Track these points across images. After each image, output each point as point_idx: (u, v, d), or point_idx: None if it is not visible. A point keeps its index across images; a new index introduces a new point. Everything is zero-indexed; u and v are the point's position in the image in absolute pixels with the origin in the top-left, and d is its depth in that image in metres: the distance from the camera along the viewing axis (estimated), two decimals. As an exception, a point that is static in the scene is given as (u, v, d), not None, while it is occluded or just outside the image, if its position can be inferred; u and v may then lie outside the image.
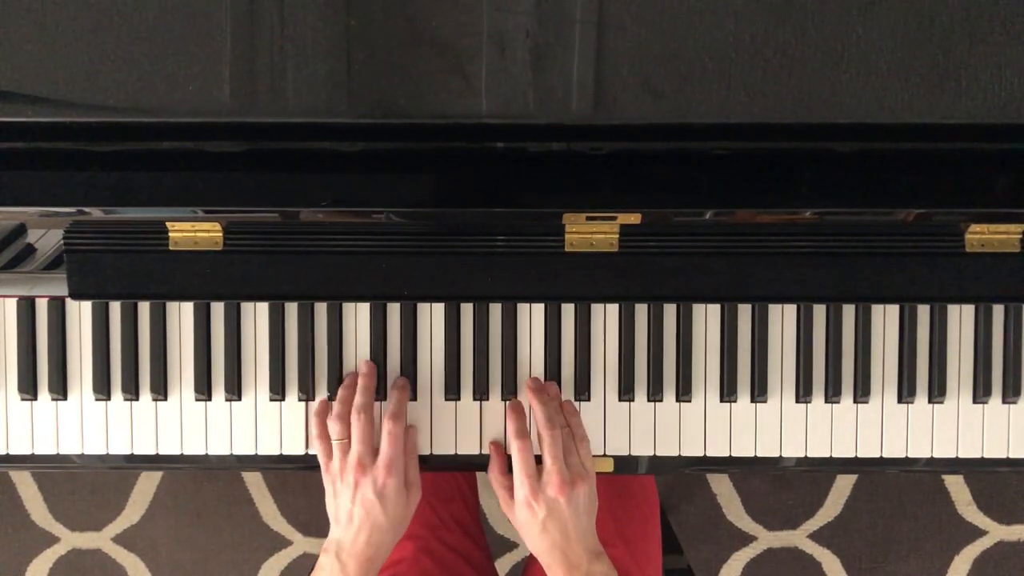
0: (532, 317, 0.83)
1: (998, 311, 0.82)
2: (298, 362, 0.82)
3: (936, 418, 0.83)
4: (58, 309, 0.82)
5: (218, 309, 0.82)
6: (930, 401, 0.83)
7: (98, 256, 0.78)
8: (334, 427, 0.78)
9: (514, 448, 0.78)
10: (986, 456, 0.83)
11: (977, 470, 0.84)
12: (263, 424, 0.83)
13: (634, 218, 0.73)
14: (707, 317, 0.83)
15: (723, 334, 0.83)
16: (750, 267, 0.78)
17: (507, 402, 0.82)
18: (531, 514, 0.77)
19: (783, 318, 0.83)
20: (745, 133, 0.69)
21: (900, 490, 1.57)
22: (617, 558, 0.92)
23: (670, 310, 0.83)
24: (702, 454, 0.83)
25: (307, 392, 0.83)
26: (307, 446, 0.83)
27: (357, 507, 0.76)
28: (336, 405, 0.79)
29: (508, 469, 0.81)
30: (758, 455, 0.83)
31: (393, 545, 0.79)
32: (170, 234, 0.77)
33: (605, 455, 0.83)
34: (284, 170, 0.70)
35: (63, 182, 0.69)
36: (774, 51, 0.65)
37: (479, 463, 0.84)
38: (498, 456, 0.82)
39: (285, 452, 0.83)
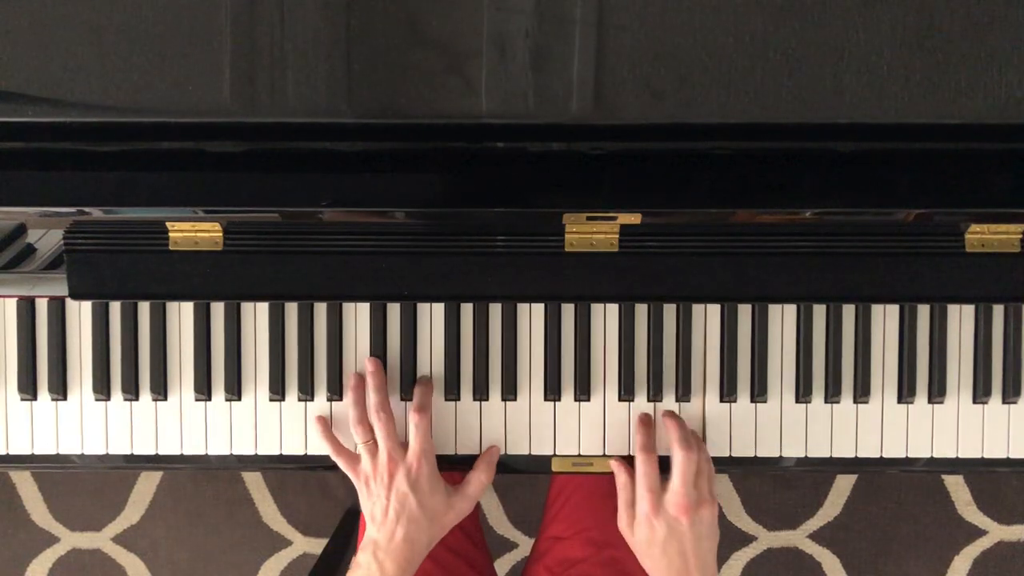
0: (532, 317, 0.83)
1: (998, 311, 0.82)
2: (298, 362, 0.82)
3: (936, 418, 0.83)
4: (58, 309, 0.82)
5: (218, 309, 0.82)
6: (930, 401, 0.83)
7: (98, 256, 0.78)
8: (357, 431, 0.79)
9: (639, 460, 0.78)
10: (986, 456, 0.83)
11: (977, 470, 0.84)
12: (263, 424, 0.83)
13: (634, 218, 0.73)
14: (707, 317, 0.83)
15: (723, 334, 0.83)
16: (750, 267, 0.78)
17: (637, 416, 0.82)
18: (650, 532, 0.76)
19: (783, 318, 0.83)
20: (745, 133, 0.69)
21: (900, 490, 1.57)
22: (620, 559, 0.92)
23: (670, 310, 0.83)
24: (702, 454, 0.83)
25: (307, 392, 0.83)
26: (307, 446, 0.83)
27: (392, 501, 0.77)
28: (352, 410, 0.80)
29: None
30: (758, 455, 0.83)
31: (430, 544, 0.79)
32: (170, 234, 0.77)
33: (605, 455, 0.83)
34: (284, 170, 0.70)
35: (63, 182, 0.69)
36: (774, 51, 0.65)
37: (479, 463, 0.84)
38: (625, 471, 0.80)
39: (285, 452, 0.83)
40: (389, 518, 0.77)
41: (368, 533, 0.78)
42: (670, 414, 0.80)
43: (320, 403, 0.83)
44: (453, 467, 0.84)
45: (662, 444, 0.81)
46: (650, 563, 0.77)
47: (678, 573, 0.75)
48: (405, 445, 0.80)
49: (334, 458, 0.81)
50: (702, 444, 0.81)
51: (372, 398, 0.80)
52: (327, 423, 0.82)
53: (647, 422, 0.81)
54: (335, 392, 0.82)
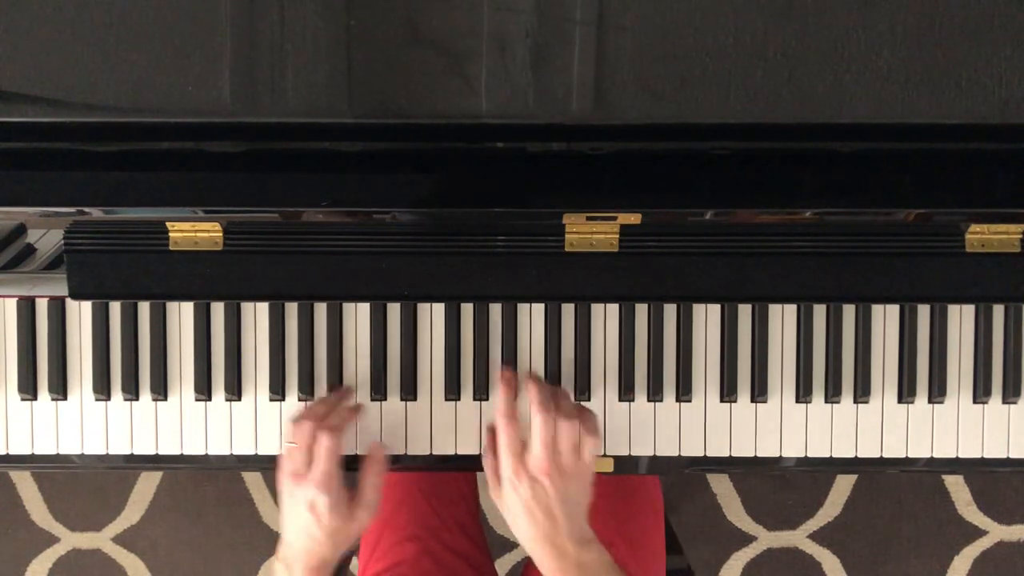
0: (532, 317, 0.83)
1: (998, 311, 0.82)
2: (298, 362, 0.82)
3: (936, 418, 0.83)
4: (58, 309, 0.82)
5: (218, 309, 0.82)
6: (930, 401, 0.83)
7: (98, 256, 0.78)
8: (287, 429, 0.78)
9: (499, 426, 0.77)
10: (986, 456, 0.83)
11: (977, 470, 0.84)
12: (263, 424, 0.83)
13: (634, 218, 0.73)
14: (707, 317, 0.83)
15: (723, 334, 0.83)
16: (750, 267, 0.78)
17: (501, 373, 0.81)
18: (515, 495, 0.75)
19: (783, 318, 0.83)
20: (745, 133, 0.69)
21: (900, 490, 1.57)
22: (618, 557, 0.92)
23: (670, 310, 0.83)
24: (702, 454, 0.83)
25: (307, 392, 0.82)
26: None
27: (292, 514, 0.76)
28: (300, 415, 0.79)
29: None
30: (758, 455, 0.83)
31: (336, 555, 0.78)
32: (170, 234, 0.77)
33: (605, 455, 0.83)
34: (284, 170, 0.70)
35: (63, 182, 0.69)
36: (774, 51, 0.65)
37: (479, 464, 0.84)
38: (491, 438, 0.80)
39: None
40: (291, 529, 0.76)
41: (282, 536, 0.77)
42: (533, 377, 0.80)
43: (320, 403, 0.83)
44: (454, 467, 0.84)
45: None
46: (520, 527, 0.76)
47: (547, 535, 0.74)
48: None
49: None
50: (585, 412, 0.79)
51: (310, 409, 0.79)
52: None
53: (509, 382, 0.79)
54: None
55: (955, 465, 0.84)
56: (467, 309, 0.83)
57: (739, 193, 0.71)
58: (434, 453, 0.83)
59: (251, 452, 0.83)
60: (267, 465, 0.84)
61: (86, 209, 0.71)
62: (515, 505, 0.76)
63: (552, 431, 0.75)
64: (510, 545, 1.57)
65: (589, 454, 0.77)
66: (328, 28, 0.65)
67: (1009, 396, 0.82)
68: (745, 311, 0.83)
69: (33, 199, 0.70)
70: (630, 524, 0.96)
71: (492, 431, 0.81)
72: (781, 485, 1.57)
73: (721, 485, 1.57)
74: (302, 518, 0.75)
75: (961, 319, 0.83)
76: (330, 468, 0.75)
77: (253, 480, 1.56)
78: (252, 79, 0.66)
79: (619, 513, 0.96)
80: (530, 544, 0.76)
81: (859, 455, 0.83)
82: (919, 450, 0.83)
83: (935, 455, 0.83)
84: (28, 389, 0.82)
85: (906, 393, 0.82)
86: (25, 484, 1.57)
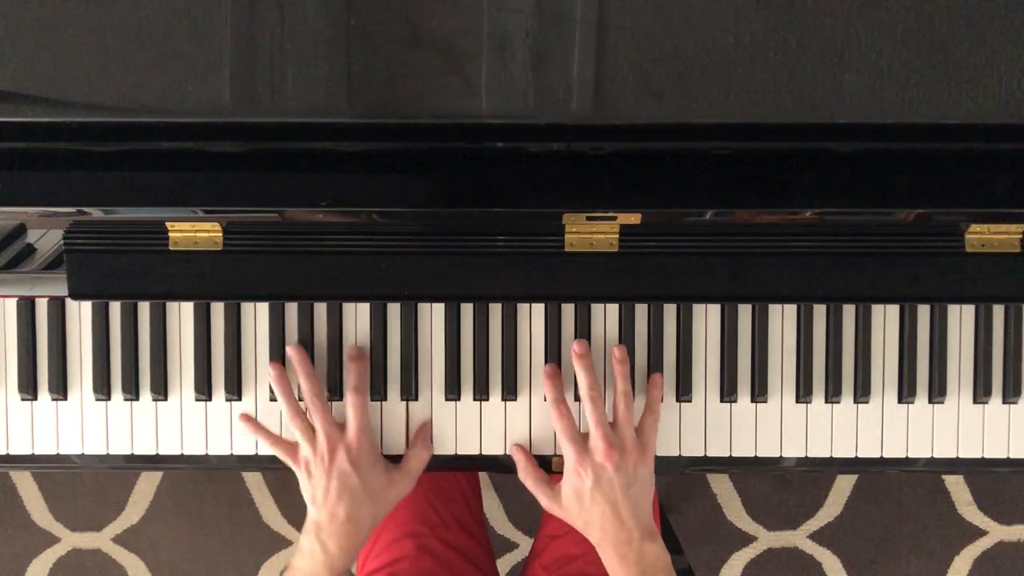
0: (532, 317, 0.83)
1: (998, 311, 0.82)
2: (298, 362, 0.82)
3: (936, 418, 0.83)
4: (58, 309, 0.82)
5: (218, 309, 0.82)
6: (930, 401, 0.83)
7: (98, 256, 0.78)
8: (295, 423, 0.79)
9: (553, 414, 0.78)
10: (986, 456, 0.83)
11: (977, 470, 0.84)
12: (263, 424, 0.83)
13: (634, 218, 0.73)
14: (707, 317, 0.83)
15: (723, 334, 0.83)
16: (750, 267, 0.78)
17: (545, 367, 0.82)
18: (578, 482, 0.75)
19: (783, 318, 0.83)
20: (745, 133, 0.69)
21: (900, 490, 1.57)
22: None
23: (670, 310, 0.83)
24: (702, 454, 0.83)
25: (307, 392, 0.82)
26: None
27: (333, 480, 0.77)
28: (285, 406, 0.80)
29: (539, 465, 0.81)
30: (758, 455, 0.83)
31: (373, 523, 0.79)
32: (170, 234, 0.77)
33: (605, 455, 0.83)
34: (284, 170, 0.70)
35: (63, 182, 0.69)
36: (774, 51, 0.65)
37: (479, 463, 0.84)
38: (523, 453, 0.81)
39: (285, 452, 0.83)
40: (331, 497, 0.77)
41: (310, 515, 0.78)
42: (581, 358, 0.79)
43: (320, 403, 0.83)
44: (454, 467, 0.84)
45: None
46: (582, 519, 0.76)
47: (612, 524, 0.74)
48: (342, 426, 0.79)
49: (272, 449, 0.80)
50: (653, 391, 0.80)
51: (304, 385, 0.79)
52: (253, 418, 0.82)
53: (553, 373, 0.80)
54: (336, 393, 0.82)
55: (955, 465, 0.84)
56: (467, 309, 0.83)
57: (739, 193, 0.71)
58: (434, 453, 0.83)
59: (251, 452, 0.83)
60: (267, 465, 0.84)
61: (86, 209, 0.71)
62: (578, 494, 0.76)
63: (602, 412, 0.76)
64: (510, 545, 1.57)
65: (653, 435, 0.78)
66: (328, 28, 0.65)
67: (1009, 396, 0.82)
68: (745, 311, 0.83)
69: (33, 199, 0.70)
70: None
71: (522, 449, 0.81)
72: (781, 485, 1.57)
73: (721, 485, 1.57)
74: (341, 479, 0.76)
75: (961, 319, 0.83)
76: (363, 422, 0.78)
77: (253, 480, 1.56)
78: (252, 79, 0.66)
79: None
80: (593, 532, 0.76)
81: (859, 455, 0.83)
82: (919, 450, 0.83)
83: (935, 455, 0.83)
84: (28, 389, 0.83)
85: (906, 393, 0.82)
86: (25, 484, 1.57)
